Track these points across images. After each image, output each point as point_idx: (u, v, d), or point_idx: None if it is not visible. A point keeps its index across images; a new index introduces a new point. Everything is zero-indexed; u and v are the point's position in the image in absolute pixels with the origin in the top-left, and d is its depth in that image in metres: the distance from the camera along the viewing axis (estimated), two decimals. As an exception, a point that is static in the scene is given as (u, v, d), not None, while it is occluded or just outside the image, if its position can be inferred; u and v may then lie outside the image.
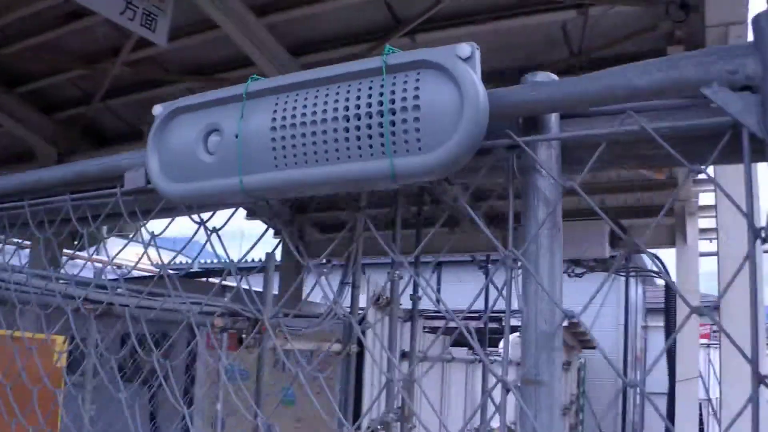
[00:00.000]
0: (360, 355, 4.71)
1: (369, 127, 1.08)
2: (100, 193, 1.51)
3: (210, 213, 1.39)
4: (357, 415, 5.17)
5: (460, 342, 8.06)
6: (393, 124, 1.07)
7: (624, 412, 12.13)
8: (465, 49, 1.05)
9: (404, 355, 5.35)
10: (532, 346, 1.11)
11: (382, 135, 1.08)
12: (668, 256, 6.26)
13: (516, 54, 5.29)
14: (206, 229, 1.39)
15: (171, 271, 1.62)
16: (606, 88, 1.05)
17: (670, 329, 5.28)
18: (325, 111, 1.12)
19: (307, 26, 4.93)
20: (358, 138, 1.09)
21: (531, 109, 1.11)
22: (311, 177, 1.13)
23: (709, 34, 4.36)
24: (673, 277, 5.43)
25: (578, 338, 10.56)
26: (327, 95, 1.13)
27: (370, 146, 1.09)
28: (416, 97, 1.06)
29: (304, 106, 1.14)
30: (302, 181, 1.14)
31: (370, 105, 1.09)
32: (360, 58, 4.31)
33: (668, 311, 5.38)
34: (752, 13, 4.18)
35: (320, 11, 4.73)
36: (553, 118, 1.15)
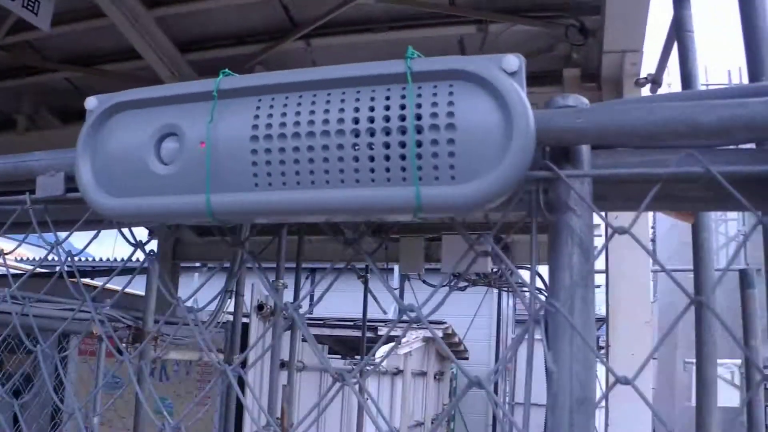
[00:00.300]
0: (242, 366, 4.40)
1: (386, 145, 0.87)
2: (3, 199, 1.19)
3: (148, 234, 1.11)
4: (238, 426, 4.87)
5: (336, 351, 7.88)
6: (419, 144, 0.86)
7: (494, 423, 12.43)
8: (512, 61, 0.87)
9: (283, 365, 5.10)
10: (564, 415, 0.93)
11: (403, 157, 0.87)
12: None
13: (411, 65, 5.20)
14: (145, 253, 1.11)
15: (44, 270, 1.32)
16: (665, 122, 0.90)
17: (549, 341, 5.38)
18: (326, 121, 0.89)
19: (197, 22, 4.57)
20: (372, 158, 0.87)
21: (573, 139, 0.94)
22: (304, 203, 0.90)
23: (606, 60, 4.46)
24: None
25: (452, 349, 10.69)
26: (329, 101, 0.90)
27: (387, 169, 0.87)
28: (450, 114, 0.86)
29: (298, 113, 0.91)
30: (292, 207, 0.91)
31: (388, 118, 0.87)
32: (252, 60, 4.01)
33: (548, 324, 5.48)
34: (648, 41, 4.32)
35: (212, 7, 4.39)
36: (585, 149, 0.99)
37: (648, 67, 4.89)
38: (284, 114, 0.91)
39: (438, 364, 10.33)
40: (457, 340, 10.31)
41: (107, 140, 1.02)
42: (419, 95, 0.87)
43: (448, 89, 0.87)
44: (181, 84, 0.99)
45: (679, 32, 3.07)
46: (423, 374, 9.12)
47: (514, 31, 4.72)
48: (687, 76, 3.09)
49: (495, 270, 5.70)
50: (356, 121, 0.88)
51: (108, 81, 4.94)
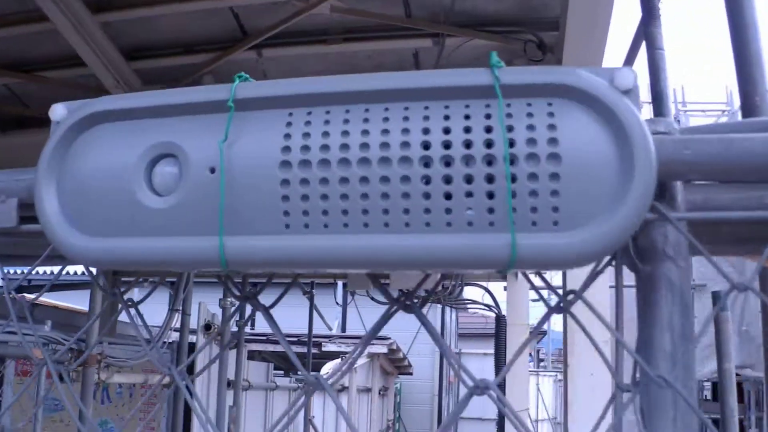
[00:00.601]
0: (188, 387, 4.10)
1: (468, 179, 0.66)
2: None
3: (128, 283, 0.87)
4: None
5: (279, 367, 7.58)
6: (513, 179, 0.66)
7: (437, 435, 12.34)
8: (626, 76, 0.68)
9: (230, 384, 4.81)
10: None
11: (491, 195, 0.66)
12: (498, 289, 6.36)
13: (364, 78, 5.03)
14: (126, 305, 0.86)
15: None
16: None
17: (499, 357, 5.30)
18: (385, 145, 0.68)
19: (144, 28, 4.25)
20: (448, 196, 0.67)
21: (680, 173, 0.76)
22: (354, 253, 0.68)
23: (565, 75, 4.40)
24: (503, 311, 5.47)
25: (395, 364, 10.55)
26: (388, 119, 0.69)
27: (469, 209, 0.66)
28: (553, 140, 0.66)
29: (345, 133, 0.69)
30: (336, 257, 0.69)
31: (469, 144, 0.67)
32: (202, 70, 3.73)
33: (498, 339, 5.41)
34: (607, 58, 4.28)
35: (161, 14, 4.08)
36: (679, 185, 0.81)
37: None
38: (326, 133, 0.69)
39: (382, 380, 10.17)
40: (401, 355, 10.17)
41: (80, 161, 0.77)
42: (509, 115, 0.67)
43: (546, 108, 0.67)
44: (180, 90, 0.75)
45: (650, 50, 3.00)
46: (368, 390, 8.94)
47: (472, 45, 4.61)
48: (658, 95, 3.03)
49: (444, 287, 5.57)
50: (426, 146, 0.67)
51: (49, 88, 4.58)
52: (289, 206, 0.69)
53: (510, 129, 0.66)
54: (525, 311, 5.50)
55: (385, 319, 0.83)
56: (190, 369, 4.38)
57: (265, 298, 0.87)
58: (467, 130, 0.67)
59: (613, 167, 0.66)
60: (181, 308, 3.87)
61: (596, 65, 4.34)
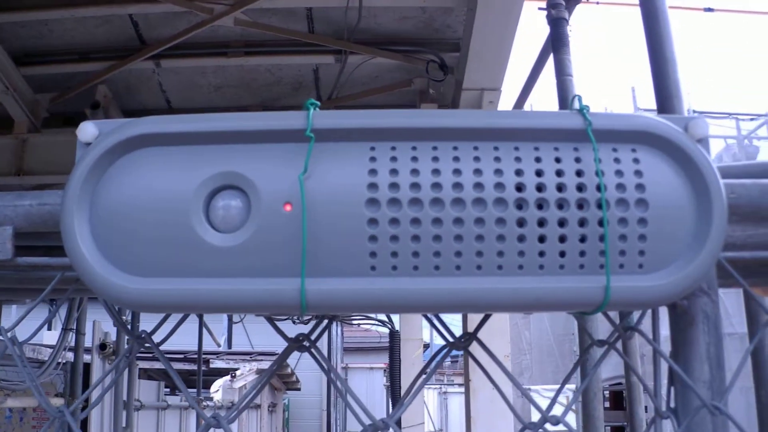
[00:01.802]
0: (84, 408, 3.82)
1: (561, 223, 0.66)
2: None
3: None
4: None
5: (167, 385, 7.23)
6: (601, 223, 0.66)
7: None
8: (701, 126, 0.71)
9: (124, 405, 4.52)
10: None
11: (583, 239, 0.66)
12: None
13: (262, 93, 4.95)
14: (163, 357, 0.78)
15: None
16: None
17: (393, 371, 5.35)
18: (479, 186, 0.66)
19: (37, 33, 3.94)
20: (542, 238, 0.66)
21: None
22: (446, 296, 0.66)
23: (464, 96, 4.55)
24: (397, 326, 5.54)
25: (284, 380, 10.37)
26: (478, 159, 0.67)
27: (562, 253, 0.66)
28: (640, 186, 0.67)
29: (436, 171, 0.67)
30: (427, 300, 0.66)
31: (561, 187, 0.67)
32: (97, 79, 3.58)
33: (392, 353, 5.46)
34: (507, 81, 4.47)
35: (55, 18, 3.80)
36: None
37: (505, 106, 5.07)
38: (416, 171, 0.67)
39: (271, 396, 9.95)
40: (289, 371, 10.01)
41: (119, 189, 0.69)
42: (599, 159, 0.68)
43: (631, 155, 0.69)
44: (247, 116, 0.70)
45: (559, 77, 3.15)
46: (257, 407, 8.73)
47: (373, 63, 4.65)
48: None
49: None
50: (519, 188, 0.66)
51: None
52: (377, 247, 0.66)
53: (602, 173, 0.67)
54: (418, 326, 5.60)
55: (284, 357, 0.83)
56: (85, 388, 4.10)
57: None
58: (559, 173, 0.67)
59: (692, 212, 0.68)
60: (75, 327, 3.60)
61: (496, 86, 4.53)
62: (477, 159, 0.67)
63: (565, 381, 0.83)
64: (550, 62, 3.35)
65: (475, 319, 4.06)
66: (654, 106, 2.23)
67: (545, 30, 3.35)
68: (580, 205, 0.67)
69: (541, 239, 0.66)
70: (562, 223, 0.66)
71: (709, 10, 10.81)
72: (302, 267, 0.65)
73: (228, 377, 6.03)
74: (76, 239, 0.68)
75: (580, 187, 0.67)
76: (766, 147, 9.95)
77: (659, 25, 2.21)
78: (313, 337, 0.77)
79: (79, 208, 0.69)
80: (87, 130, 0.71)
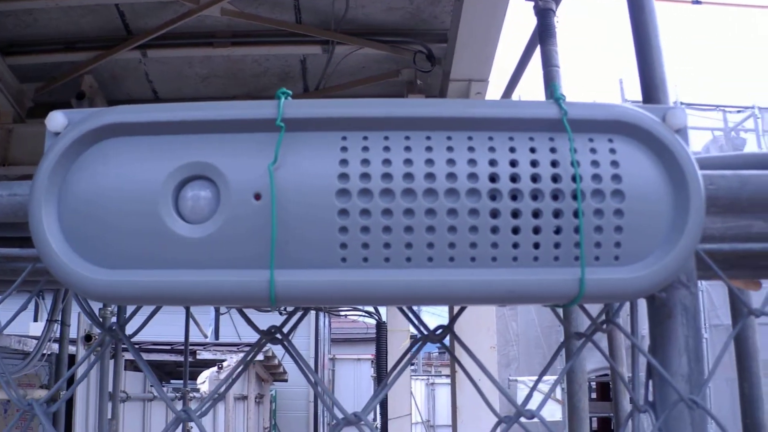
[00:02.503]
0: (69, 403, 3.80)
1: (536, 214, 0.65)
2: None
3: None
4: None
5: (159, 378, 7.21)
6: (576, 214, 0.66)
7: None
8: (679, 116, 0.70)
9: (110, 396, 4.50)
10: None
11: (558, 230, 0.66)
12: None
13: (248, 83, 4.93)
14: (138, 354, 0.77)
15: None
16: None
17: (380, 362, 5.35)
18: (452, 176, 0.65)
19: (22, 22, 3.89)
20: (515, 230, 0.65)
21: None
22: (419, 287, 0.65)
23: (452, 87, 4.54)
24: (384, 317, 5.53)
25: (270, 371, 10.36)
26: (451, 148, 0.66)
27: (536, 245, 0.65)
28: (616, 177, 0.67)
29: (408, 161, 0.66)
30: (399, 292, 0.65)
31: (535, 178, 0.66)
32: (83, 69, 3.55)
33: (379, 344, 5.46)
34: (495, 71, 4.46)
35: (41, 7, 3.76)
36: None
37: (493, 97, 5.05)
38: (388, 161, 0.65)
39: (258, 387, 9.94)
40: (276, 362, 10.00)
41: (88, 180, 0.67)
42: (574, 149, 0.67)
43: (608, 145, 0.68)
44: (216, 105, 0.68)
45: (546, 67, 3.14)
46: (244, 398, 8.71)
47: (361, 53, 4.64)
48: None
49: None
50: (493, 178, 0.65)
51: None
52: (348, 238, 0.65)
53: (577, 164, 0.66)
54: (403, 318, 5.60)
55: (257, 350, 0.82)
56: (71, 380, 4.08)
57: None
58: (534, 163, 0.66)
59: (669, 203, 0.67)
60: (60, 319, 3.57)
61: (483, 77, 4.51)
62: (450, 149, 0.66)
63: (542, 374, 0.83)
64: (538, 53, 3.35)
65: (458, 310, 4.07)
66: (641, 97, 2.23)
67: (533, 21, 3.33)
68: (555, 195, 0.66)
69: (515, 231, 0.65)
70: (536, 214, 0.65)
71: (697, 2, 10.83)
72: (271, 258, 0.64)
73: (215, 368, 6.02)
74: (44, 230, 0.67)
75: (555, 178, 0.66)
76: (753, 139, 10.01)
77: (645, 16, 2.21)
78: (285, 329, 0.76)
79: (47, 199, 0.67)
80: (56, 119, 0.70)
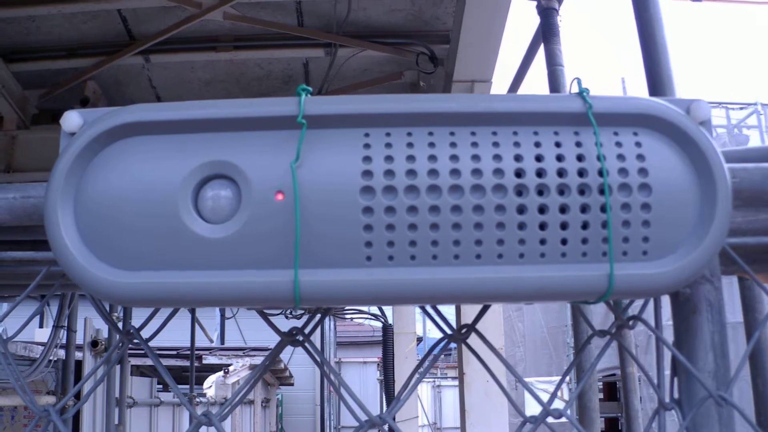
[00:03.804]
0: (76, 412, 3.78)
1: (563, 209, 0.64)
2: None
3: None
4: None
5: (159, 382, 7.21)
6: (604, 209, 0.64)
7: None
8: (703, 108, 0.69)
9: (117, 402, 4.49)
10: None
11: (585, 225, 0.64)
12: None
13: (251, 87, 4.93)
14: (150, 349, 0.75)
15: None
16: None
17: (387, 365, 5.34)
18: (477, 172, 0.64)
19: (25, 29, 3.89)
20: (543, 225, 0.64)
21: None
22: (446, 285, 0.64)
23: (455, 88, 4.54)
24: (390, 320, 5.52)
25: (277, 375, 10.35)
26: (476, 144, 0.65)
27: (563, 241, 0.64)
28: (643, 171, 0.65)
29: (432, 157, 0.65)
30: (426, 290, 0.64)
31: (562, 172, 0.65)
32: (86, 74, 3.54)
33: (386, 347, 5.45)
34: (498, 73, 4.45)
35: (43, 14, 3.76)
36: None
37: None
38: (412, 157, 0.64)
39: (264, 392, 9.94)
40: (282, 366, 9.98)
41: (105, 180, 0.66)
42: (600, 143, 0.66)
43: (633, 138, 0.67)
44: (235, 102, 0.67)
45: (550, 66, 3.13)
46: (250, 403, 8.71)
47: (363, 56, 4.63)
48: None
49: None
50: (519, 173, 0.64)
51: None
52: (372, 237, 0.63)
53: (603, 158, 0.65)
54: (411, 320, 5.58)
55: (278, 352, 0.81)
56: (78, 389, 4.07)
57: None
58: (559, 158, 0.65)
59: (695, 197, 0.66)
60: (66, 324, 3.57)
61: (486, 78, 4.51)
62: (474, 144, 0.65)
63: (566, 373, 0.82)
64: (541, 53, 3.34)
65: (467, 310, 4.05)
66: (646, 95, 2.22)
67: (536, 20, 3.32)
68: (582, 190, 0.64)
69: (542, 226, 0.64)
70: (563, 209, 0.64)
71: (698, 0, 10.81)
72: (295, 258, 0.63)
73: (221, 373, 6.01)
74: (61, 232, 0.66)
75: (582, 172, 0.65)
76: (756, 135, 9.99)
77: (650, 12, 2.19)
78: (306, 331, 0.75)
79: (63, 201, 0.66)
80: (71, 119, 0.69)
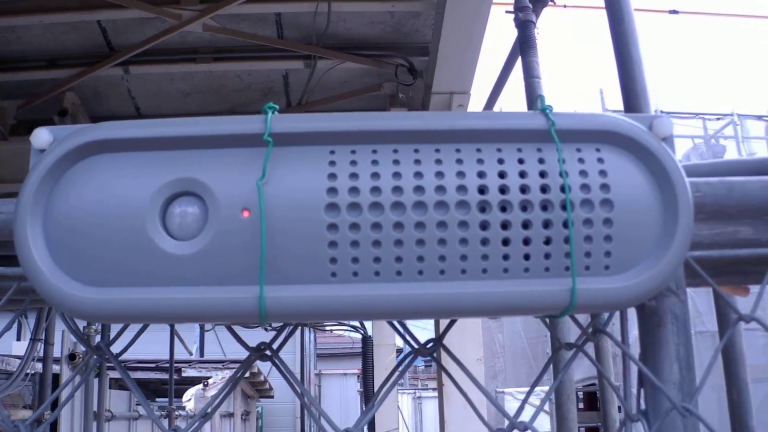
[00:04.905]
0: (54, 423, 3.74)
1: (525, 225, 0.65)
2: None
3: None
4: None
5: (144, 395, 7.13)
6: (566, 225, 0.66)
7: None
8: (665, 124, 0.70)
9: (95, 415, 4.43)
10: None
11: (548, 241, 0.66)
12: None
13: (231, 98, 4.92)
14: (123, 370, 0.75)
15: None
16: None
17: (367, 377, 5.33)
18: (441, 189, 0.65)
19: (4, 40, 3.87)
20: (505, 241, 0.65)
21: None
22: (409, 301, 0.64)
23: (434, 100, 4.57)
24: (370, 331, 5.52)
25: (256, 388, 10.28)
26: (440, 161, 0.66)
27: (526, 256, 0.65)
28: (605, 186, 0.67)
29: (397, 175, 0.65)
30: (390, 306, 0.65)
31: (524, 189, 0.66)
32: (65, 85, 3.53)
33: (365, 359, 5.44)
34: (476, 84, 4.48)
35: (23, 24, 3.74)
36: (675, 222, 0.85)
37: (475, 109, 5.06)
38: (376, 175, 0.65)
39: (243, 404, 9.85)
40: (262, 378, 9.91)
41: (74, 196, 0.66)
42: (563, 160, 0.67)
43: (595, 154, 0.68)
44: (202, 120, 0.68)
45: (527, 79, 3.17)
46: (230, 415, 8.64)
47: (343, 68, 4.65)
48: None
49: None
50: (482, 190, 0.65)
51: None
52: (337, 253, 0.64)
53: (565, 174, 0.66)
54: (391, 332, 5.58)
55: (246, 366, 0.81)
56: (56, 402, 4.02)
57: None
58: (522, 174, 0.66)
59: (657, 211, 0.68)
60: (44, 338, 3.53)
61: (465, 90, 4.54)
62: (438, 161, 0.66)
63: (534, 384, 0.82)
64: (519, 65, 3.37)
65: (446, 322, 4.06)
66: (622, 107, 2.25)
67: (513, 33, 3.36)
68: (545, 206, 0.66)
69: (505, 242, 0.65)
70: (526, 225, 0.65)
71: (674, 12, 10.98)
72: (261, 275, 0.63)
73: (200, 386, 5.97)
74: (29, 248, 0.66)
75: (544, 189, 0.66)
76: (733, 146, 10.13)
77: (625, 27, 2.23)
78: (275, 345, 0.75)
79: (32, 217, 0.66)
80: (41, 136, 0.69)
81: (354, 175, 0.65)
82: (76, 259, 0.66)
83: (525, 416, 0.76)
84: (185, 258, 0.65)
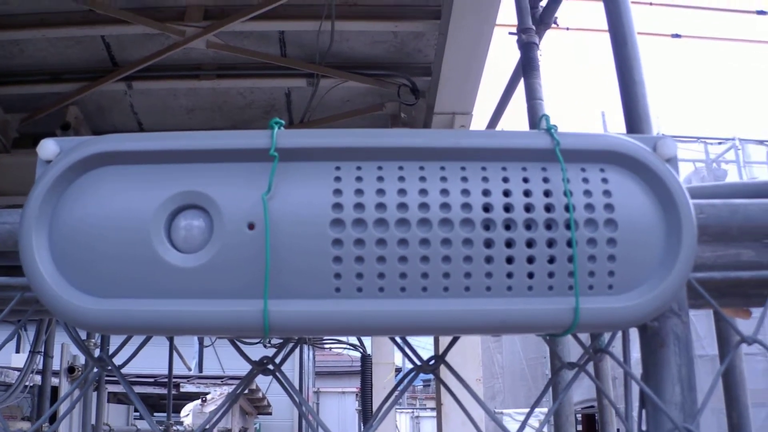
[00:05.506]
0: None
1: (529, 243, 0.65)
2: None
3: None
4: None
5: (136, 409, 7.09)
6: (570, 244, 0.66)
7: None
8: (669, 146, 0.71)
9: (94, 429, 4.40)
10: None
11: (552, 260, 0.66)
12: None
13: (233, 115, 4.95)
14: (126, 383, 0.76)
15: None
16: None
17: (366, 395, 5.30)
18: (446, 206, 0.65)
19: (8, 53, 3.90)
20: (509, 260, 0.65)
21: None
22: (413, 318, 0.64)
23: (436, 120, 4.59)
24: (369, 350, 5.50)
25: (255, 404, 10.22)
26: (445, 178, 0.67)
27: (530, 275, 0.65)
28: (609, 206, 0.67)
29: (402, 191, 0.66)
30: (394, 322, 0.65)
31: (529, 207, 0.66)
32: (68, 100, 3.54)
33: (364, 377, 5.41)
34: (478, 105, 4.51)
35: (27, 38, 3.77)
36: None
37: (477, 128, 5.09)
38: (381, 191, 0.66)
39: (242, 420, 9.78)
40: (260, 395, 9.86)
41: (80, 208, 0.67)
42: (567, 179, 0.67)
43: (599, 174, 0.68)
44: (209, 134, 0.68)
45: (530, 101, 3.18)
46: (228, 432, 8.61)
47: (345, 87, 4.67)
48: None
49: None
50: (487, 208, 0.66)
51: None
52: (342, 268, 0.64)
53: (570, 193, 0.66)
54: (390, 350, 5.57)
55: (249, 381, 0.81)
56: (54, 414, 3.99)
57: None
58: (527, 193, 0.66)
59: (661, 232, 0.68)
60: (43, 350, 3.52)
61: (467, 110, 4.56)
62: (444, 179, 0.66)
63: (535, 404, 0.82)
64: (521, 86, 3.39)
65: (446, 341, 4.05)
66: (624, 130, 2.26)
67: (516, 54, 3.38)
68: (549, 225, 0.66)
69: (509, 260, 0.65)
70: (530, 243, 0.65)
71: (677, 36, 11.06)
72: (265, 289, 0.63)
73: (199, 401, 5.94)
74: (35, 259, 0.66)
75: (549, 208, 0.66)
76: (734, 170, 10.15)
77: (628, 50, 2.24)
78: (277, 360, 0.75)
79: (37, 228, 0.66)
80: (48, 147, 0.69)
81: (359, 191, 0.66)
82: (80, 270, 0.66)
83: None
84: (190, 271, 0.65)
